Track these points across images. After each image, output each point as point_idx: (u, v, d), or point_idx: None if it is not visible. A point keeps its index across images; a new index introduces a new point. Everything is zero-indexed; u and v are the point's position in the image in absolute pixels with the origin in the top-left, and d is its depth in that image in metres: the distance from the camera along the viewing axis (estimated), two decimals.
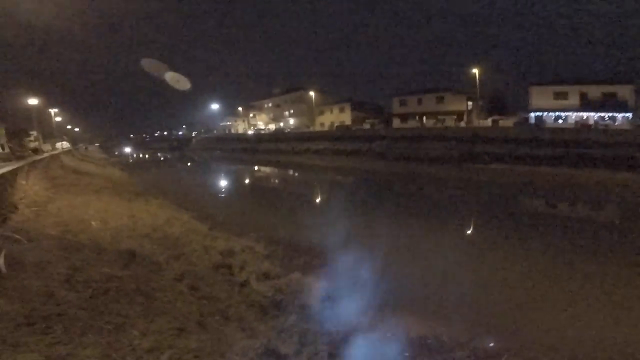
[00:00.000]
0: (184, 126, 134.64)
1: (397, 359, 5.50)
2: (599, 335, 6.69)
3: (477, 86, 42.52)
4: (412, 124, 49.53)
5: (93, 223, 8.93)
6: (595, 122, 37.26)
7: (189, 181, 34.52)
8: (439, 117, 47.61)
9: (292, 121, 72.04)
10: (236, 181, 36.03)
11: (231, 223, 13.86)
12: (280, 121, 74.65)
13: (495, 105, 52.05)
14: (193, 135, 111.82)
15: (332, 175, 37.28)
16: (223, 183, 34.20)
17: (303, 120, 68.02)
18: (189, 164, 61.58)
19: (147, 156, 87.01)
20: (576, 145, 28.22)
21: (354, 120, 58.10)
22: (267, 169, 46.66)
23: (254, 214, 16.89)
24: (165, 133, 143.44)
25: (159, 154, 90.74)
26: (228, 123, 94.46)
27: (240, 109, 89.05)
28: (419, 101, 51.43)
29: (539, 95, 41.60)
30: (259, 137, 68.13)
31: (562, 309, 7.75)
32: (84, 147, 78.01)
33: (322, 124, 64.69)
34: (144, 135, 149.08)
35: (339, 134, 49.75)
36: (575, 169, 26.56)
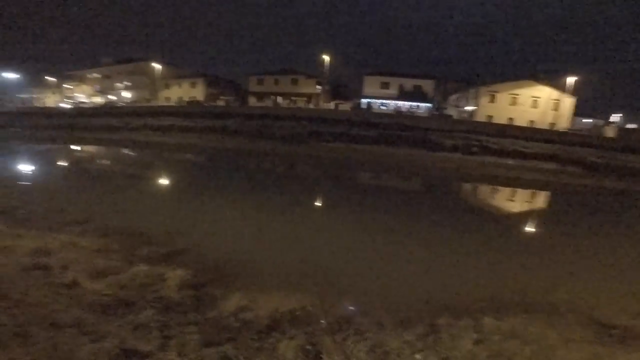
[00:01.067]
0: None
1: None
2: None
3: (326, 72, 47.03)
4: (267, 103, 50.54)
5: None
6: (407, 109, 47.31)
7: None
8: (292, 98, 50.49)
9: (128, 94, 61.26)
10: (47, 164, 27.75)
11: (43, 216, 10.69)
12: (111, 94, 62.31)
13: (338, 91, 59.19)
14: None
15: (178, 154, 34.00)
16: (28, 168, 25.84)
17: (143, 93, 58.94)
18: None
19: None
20: (393, 128, 35.51)
21: (206, 97, 54.70)
22: (91, 148, 38.06)
23: (76, 203, 13.36)
24: None
25: None
26: (31, 96, 72.05)
27: (50, 79, 69.29)
28: (275, 81, 53.13)
29: (370, 84, 49.51)
30: (80, 111, 54.81)
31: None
32: None
33: (167, 99, 57.95)
34: None
35: (188, 110, 45.56)
36: (391, 147, 33.68)
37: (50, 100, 69.64)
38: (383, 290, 7.72)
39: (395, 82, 49.17)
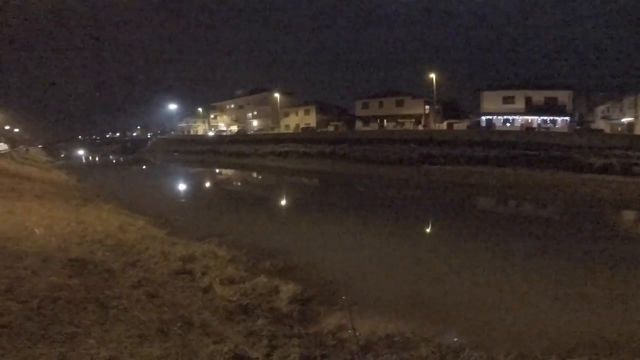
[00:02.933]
0: (138, 127, 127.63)
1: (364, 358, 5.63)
2: (541, 325, 7.10)
3: (434, 91, 45.03)
4: (373, 126, 51.12)
5: (37, 230, 8.24)
6: (538, 124, 40.88)
7: (144, 185, 32.79)
8: (399, 120, 49.69)
9: (255, 123, 71.29)
10: (196, 184, 34.73)
11: (191, 228, 13.41)
12: (243, 123, 73.54)
13: (450, 110, 55.54)
14: (148, 136, 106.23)
15: (296, 177, 37.41)
16: (182, 186, 32.83)
17: (267, 122, 67.58)
18: (144, 166, 58.46)
19: (97, 159, 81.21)
20: (521, 147, 30.78)
21: (318, 123, 58.68)
22: (229, 172, 45.50)
23: (216, 218, 16.41)
24: (118, 134, 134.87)
25: (110, 157, 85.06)
26: (187, 124, 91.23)
27: (200, 109, 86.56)
28: (380, 104, 53.31)
29: (489, 100, 44.83)
30: (221, 138, 66.42)
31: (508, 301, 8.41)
32: (24, 148, 71.19)
33: (287, 126, 64.63)
34: (93, 137, 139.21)
35: (303, 136, 49.93)
36: (520, 169, 28.95)
37: (200, 128, 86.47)
38: (498, 324, 6.98)
39: (520, 96, 43.25)
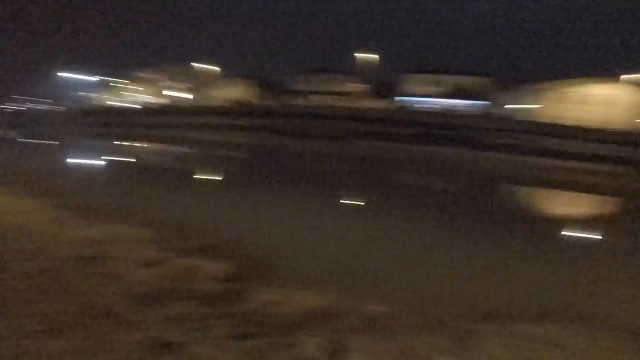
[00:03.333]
0: (35, 98, 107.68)
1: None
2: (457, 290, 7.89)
3: (367, 71, 46.60)
4: (308, 101, 51.38)
5: None
6: (457, 108, 45.07)
7: (45, 163, 28.14)
8: (334, 96, 50.79)
9: (183, 95, 66.46)
10: (113, 160, 30.93)
11: (106, 208, 11.89)
12: (169, 94, 67.94)
13: (381, 89, 57.97)
14: (48, 109, 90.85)
15: (227, 151, 35.90)
16: (95, 163, 28.96)
17: (197, 94, 63.48)
18: (45, 142, 50.13)
19: None
20: (438, 127, 34.13)
21: (254, 96, 57.39)
22: (151, 145, 41.57)
23: (136, 197, 14.77)
24: (8, 105, 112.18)
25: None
26: (98, 95, 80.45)
27: (114, 80, 77.18)
28: (317, 80, 53.98)
29: (416, 82, 47.94)
30: (141, 110, 60.18)
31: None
32: None
33: (219, 99, 61.62)
34: None
35: (236, 109, 47.96)
36: (436, 147, 32.38)
37: (115, 99, 77.06)
38: (419, 292, 7.52)
39: (444, 80, 47.13)
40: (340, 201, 16.90)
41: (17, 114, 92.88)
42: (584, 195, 22.95)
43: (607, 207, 20.56)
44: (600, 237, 14.04)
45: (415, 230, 12.24)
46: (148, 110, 57.63)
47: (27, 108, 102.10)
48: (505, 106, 50.71)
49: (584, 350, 5.12)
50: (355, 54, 46.56)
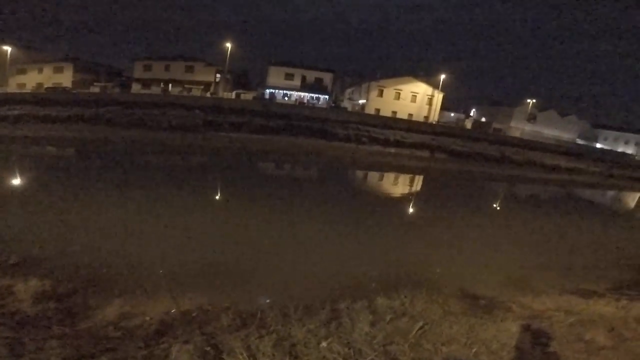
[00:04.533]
0: None
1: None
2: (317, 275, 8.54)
3: (227, 61, 44.51)
4: (155, 90, 45.45)
5: None
6: (308, 100, 48.61)
7: None
8: (186, 85, 46.62)
9: None
10: None
11: None
12: None
13: (240, 80, 57.00)
14: None
15: (32, 148, 27.37)
16: None
17: None
18: None
19: None
20: (293, 118, 36.30)
21: (77, 83, 46.40)
22: None
23: None
24: None
25: None
26: None
27: None
28: (167, 67, 48.56)
29: (274, 75, 49.00)
30: None
31: None
32: None
33: (20, 86, 47.36)
34: None
35: (49, 97, 37.43)
36: (291, 137, 34.42)
37: None
38: (284, 281, 7.70)
39: (298, 74, 49.73)
40: (194, 197, 15.33)
41: None
42: (407, 175, 28.94)
43: (423, 184, 26.48)
44: (427, 210, 17.42)
45: (275, 220, 12.44)
46: None
47: None
48: (343, 100, 58.00)
49: (437, 317, 5.80)
50: (219, 43, 43.81)
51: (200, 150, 29.57)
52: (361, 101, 50.42)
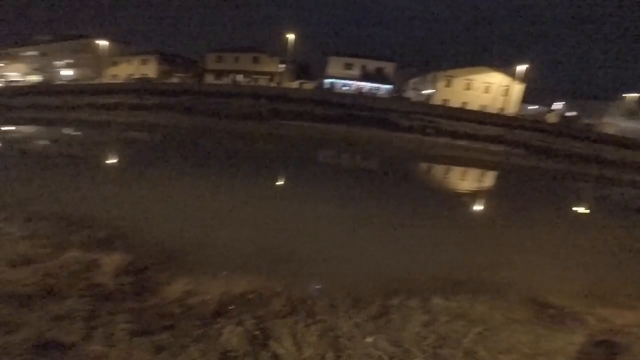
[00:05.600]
0: None
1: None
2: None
3: (290, 51, 45.87)
4: (225, 80, 48.68)
5: None
6: (368, 90, 47.63)
7: None
8: (253, 76, 48.98)
9: (68, 72, 56.81)
10: None
11: None
12: (49, 72, 57.50)
13: (302, 70, 58.19)
14: None
15: (125, 133, 31.52)
16: None
17: (86, 71, 54.56)
18: None
19: None
20: (354, 108, 35.87)
21: (160, 74, 51.77)
22: (29, 129, 34.26)
23: (12, 186, 11.97)
24: None
25: None
26: None
27: None
28: (236, 59, 51.61)
29: (334, 65, 49.02)
30: (13, 90, 49.47)
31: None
32: None
33: (114, 77, 54.24)
34: None
35: (137, 87, 42.47)
36: (352, 126, 34.01)
37: None
38: (337, 271, 7.66)
39: (358, 64, 49.10)
40: (261, 183, 16.03)
41: None
42: (478, 169, 26.78)
43: (497, 181, 24.30)
44: (498, 209, 15.93)
45: (336, 210, 12.40)
46: (30, 90, 47.20)
47: None
48: (407, 90, 55.51)
49: (498, 324, 5.34)
50: (283, 35, 45.29)
51: (266, 137, 30.88)
52: (427, 91, 47.83)
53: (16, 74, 60.51)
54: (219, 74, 51.11)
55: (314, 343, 4.53)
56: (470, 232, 11.79)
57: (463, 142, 33.21)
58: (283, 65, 51.26)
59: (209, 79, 51.31)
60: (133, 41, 60.82)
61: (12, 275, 5.23)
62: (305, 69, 60.96)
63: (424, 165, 27.29)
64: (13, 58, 62.45)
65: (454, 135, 33.78)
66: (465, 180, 23.13)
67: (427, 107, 38.48)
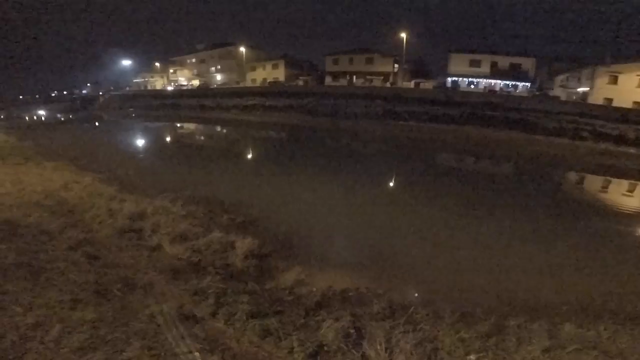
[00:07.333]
0: (88, 84, 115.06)
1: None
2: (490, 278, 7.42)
3: (404, 50, 44.51)
4: (342, 82, 50.42)
5: None
6: (501, 88, 42.01)
7: (95, 141, 30.31)
8: (367, 77, 49.29)
9: (219, 77, 68.14)
10: (153, 139, 32.68)
11: (145, 184, 12.69)
12: (206, 77, 70.07)
13: (418, 69, 55.55)
14: (100, 94, 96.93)
15: (262, 131, 36.43)
16: (137, 142, 30.77)
17: (232, 76, 64.54)
18: (97, 123, 53.81)
19: (43, 118, 73.05)
20: (482, 108, 31.92)
21: (287, 77, 56.88)
22: (190, 126, 43.37)
23: (174, 173, 15.68)
24: (65, 92, 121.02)
25: (58, 115, 77.11)
26: (143, 80, 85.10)
27: (157, 64, 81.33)
28: (350, 60, 52.57)
29: (456, 62, 45.02)
30: (181, 92, 62.56)
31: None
32: None
33: (253, 80, 62.13)
34: (36, 96, 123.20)
35: (271, 90, 48.19)
36: (480, 128, 30.36)
37: (158, 83, 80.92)
38: (445, 280, 7.21)
39: (487, 60, 43.77)
40: (378, 183, 16.32)
41: (73, 99, 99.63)
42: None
43: None
44: None
45: (455, 216, 11.44)
46: (192, 93, 59.56)
47: (83, 93, 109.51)
48: (553, 88, 46.44)
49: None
50: (393, 33, 44.63)
51: (379, 138, 30.88)
52: (581, 89, 39.17)
53: (183, 78, 76.00)
54: (335, 75, 53.22)
55: (408, 351, 4.31)
56: (624, 257, 9.27)
57: (633, 150, 25.55)
58: (397, 65, 50.00)
59: (328, 80, 53.95)
60: (263, 46, 68.29)
61: (172, 250, 6.76)
62: (422, 67, 57.97)
63: (571, 174, 22.24)
64: (181, 64, 77.76)
65: (620, 140, 26.21)
66: (627, 195, 17.92)
67: (581, 107, 31.28)
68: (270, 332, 4.49)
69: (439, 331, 4.95)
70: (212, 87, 62.95)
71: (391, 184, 16.79)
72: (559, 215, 12.73)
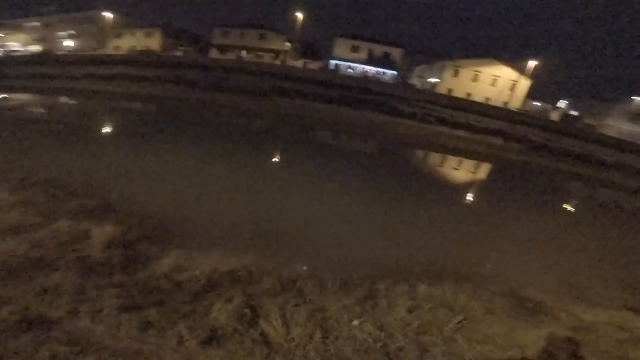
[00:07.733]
0: None
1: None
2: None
3: (297, 30, 44.73)
4: (230, 56, 47.89)
5: None
6: (373, 74, 46.82)
7: None
8: (258, 53, 48.20)
9: (70, 43, 56.26)
10: None
11: None
12: (50, 43, 56.93)
13: (308, 50, 57.05)
14: None
15: (122, 102, 31.14)
16: None
17: (89, 43, 53.85)
18: None
19: None
20: (357, 91, 35.48)
21: (164, 47, 50.70)
22: (20, 96, 33.69)
23: (13, 154, 11.85)
24: None
25: None
26: None
27: None
28: (242, 35, 50.75)
29: (340, 46, 47.95)
30: (13, 59, 48.61)
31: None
32: None
33: (117, 48, 53.35)
34: None
35: (140, 59, 41.55)
36: (353, 109, 33.73)
37: None
38: (327, 252, 7.69)
39: (365, 47, 48.03)
40: (257, 159, 16.02)
41: None
42: (473, 161, 26.70)
43: (489, 174, 24.27)
44: (488, 201, 15.94)
45: (330, 191, 12.44)
46: (29, 60, 46.22)
47: None
48: (412, 77, 54.47)
49: (477, 316, 5.40)
50: (290, 13, 44.36)
51: (265, 114, 30.71)
52: (432, 80, 47.03)
53: (16, 44, 59.90)
54: (224, 49, 50.24)
55: (302, 323, 4.56)
56: (458, 223, 11.84)
57: (462, 133, 33.03)
58: (289, 44, 50.25)
59: (214, 53, 50.48)
60: (141, 16, 59.50)
61: (1, 246, 5.20)
62: (312, 48, 59.84)
63: (419, 153, 27.34)
64: (14, 28, 61.99)
65: (454, 125, 33.60)
66: (459, 170, 23.11)
67: (430, 95, 37.96)
68: (152, 324, 4.04)
69: (325, 301, 5.29)
70: (57, 53, 50.84)
71: (269, 159, 16.83)
72: (405, 187, 15.53)
